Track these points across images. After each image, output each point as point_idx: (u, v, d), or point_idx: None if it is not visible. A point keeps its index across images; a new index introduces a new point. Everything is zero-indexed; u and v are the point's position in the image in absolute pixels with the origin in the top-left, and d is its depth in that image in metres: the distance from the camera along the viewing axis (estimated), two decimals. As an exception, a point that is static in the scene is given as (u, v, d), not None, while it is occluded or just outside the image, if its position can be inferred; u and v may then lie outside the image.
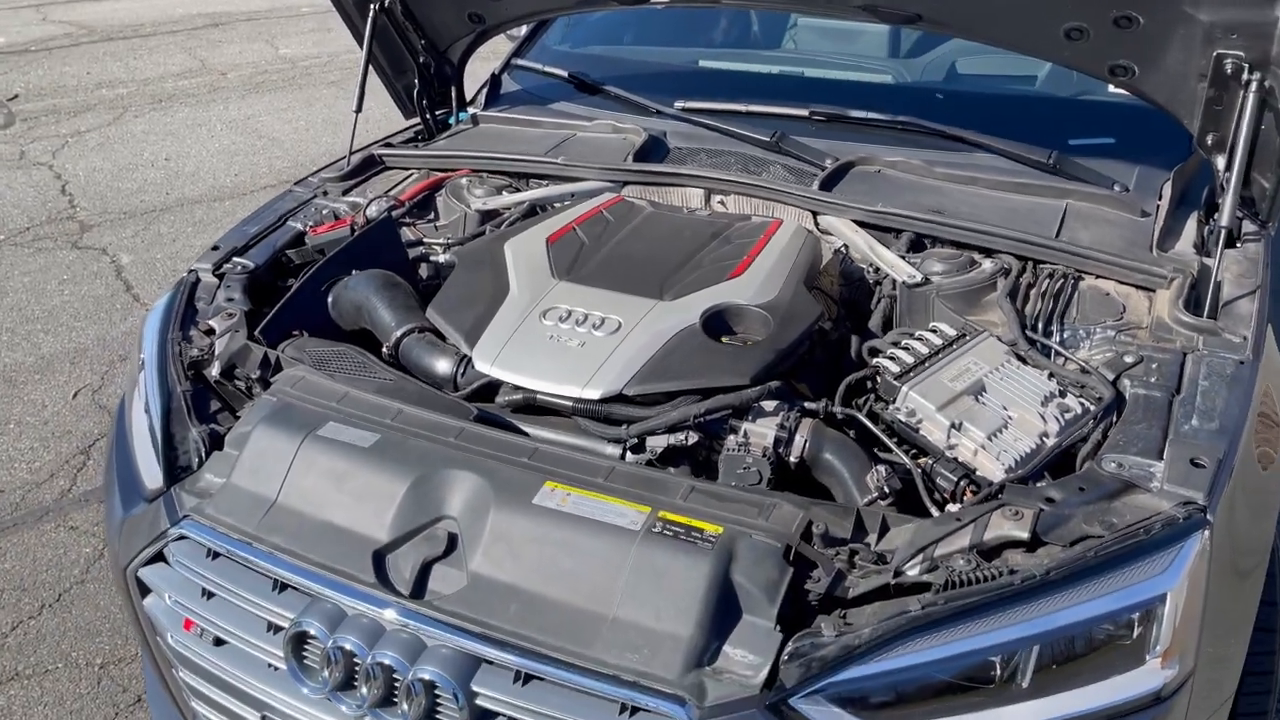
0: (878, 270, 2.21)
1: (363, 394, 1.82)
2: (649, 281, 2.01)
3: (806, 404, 1.81)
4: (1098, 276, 2.07)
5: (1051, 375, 1.83)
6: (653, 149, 2.62)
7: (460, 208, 2.54)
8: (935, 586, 1.40)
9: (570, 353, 1.83)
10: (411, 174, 2.71)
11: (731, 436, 1.74)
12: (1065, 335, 1.95)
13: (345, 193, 2.62)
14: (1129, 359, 1.83)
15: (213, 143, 6.77)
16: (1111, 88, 2.49)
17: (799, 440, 1.73)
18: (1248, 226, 2.15)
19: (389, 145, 2.84)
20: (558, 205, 2.50)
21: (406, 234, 2.49)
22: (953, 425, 1.72)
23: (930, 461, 1.71)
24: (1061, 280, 2.05)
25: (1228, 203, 1.95)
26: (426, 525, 1.59)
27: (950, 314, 2.03)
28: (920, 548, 1.48)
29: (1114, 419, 1.71)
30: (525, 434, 1.85)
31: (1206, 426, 1.63)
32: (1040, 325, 1.96)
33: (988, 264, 2.10)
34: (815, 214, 2.32)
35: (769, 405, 1.77)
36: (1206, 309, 1.90)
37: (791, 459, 1.73)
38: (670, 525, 1.50)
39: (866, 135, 2.54)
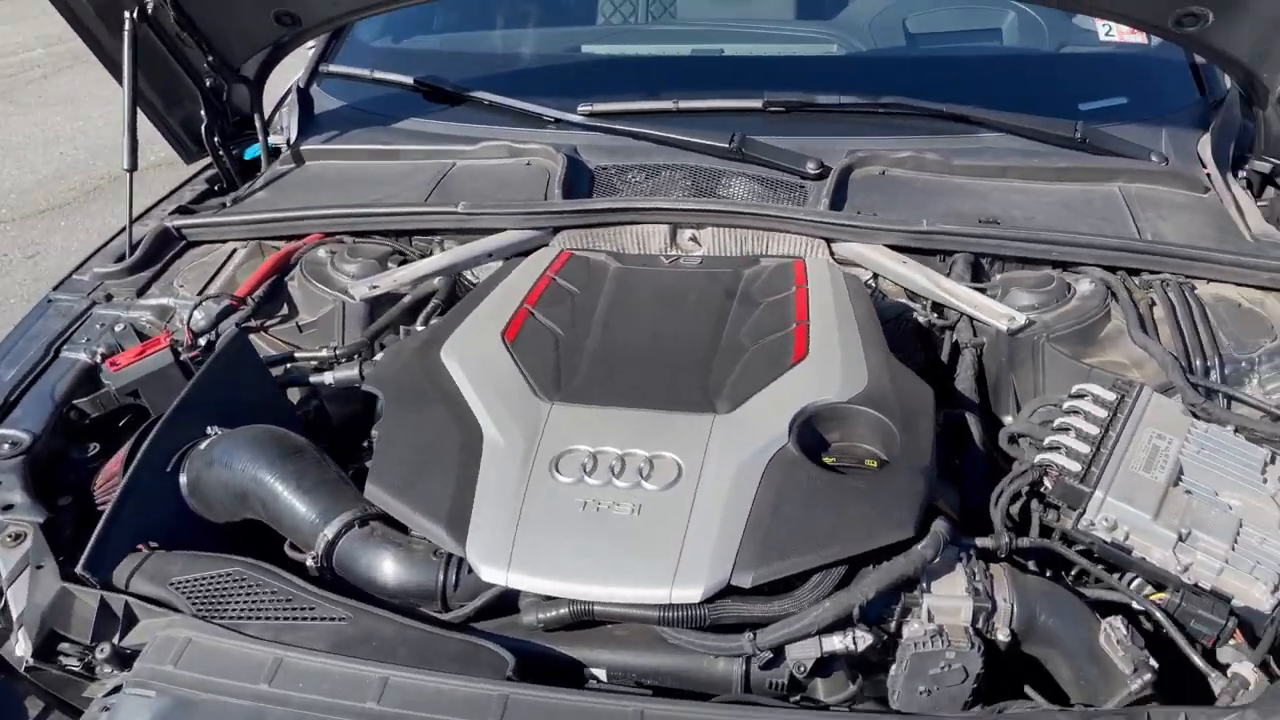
0: (935, 310, 1.69)
1: (307, 658, 1.16)
2: (683, 383, 1.41)
3: (979, 542, 1.27)
4: (1209, 281, 1.66)
5: (1238, 430, 1.40)
6: (576, 175, 1.94)
7: (329, 295, 1.75)
8: None
9: (626, 527, 1.21)
10: (233, 249, 1.89)
11: (915, 623, 1.18)
12: (1227, 371, 1.51)
13: (141, 292, 1.79)
14: (1321, 394, 1.43)
15: None
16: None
17: (1003, 606, 1.20)
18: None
19: (184, 210, 1.99)
20: (475, 275, 1.81)
21: (260, 345, 1.70)
22: (1179, 537, 1.26)
23: (1175, 599, 1.23)
24: (1182, 294, 1.61)
25: None
26: None
27: (1068, 362, 1.54)
28: None
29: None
30: (580, 666, 1.22)
31: None
32: (1195, 362, 1.51)
33: (1084, 285, 1.64)
34: (829, 241, 1.76)
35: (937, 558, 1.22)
36: None
37: (1000, 638, 1.19)
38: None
39: (839, 125, 2.00)
